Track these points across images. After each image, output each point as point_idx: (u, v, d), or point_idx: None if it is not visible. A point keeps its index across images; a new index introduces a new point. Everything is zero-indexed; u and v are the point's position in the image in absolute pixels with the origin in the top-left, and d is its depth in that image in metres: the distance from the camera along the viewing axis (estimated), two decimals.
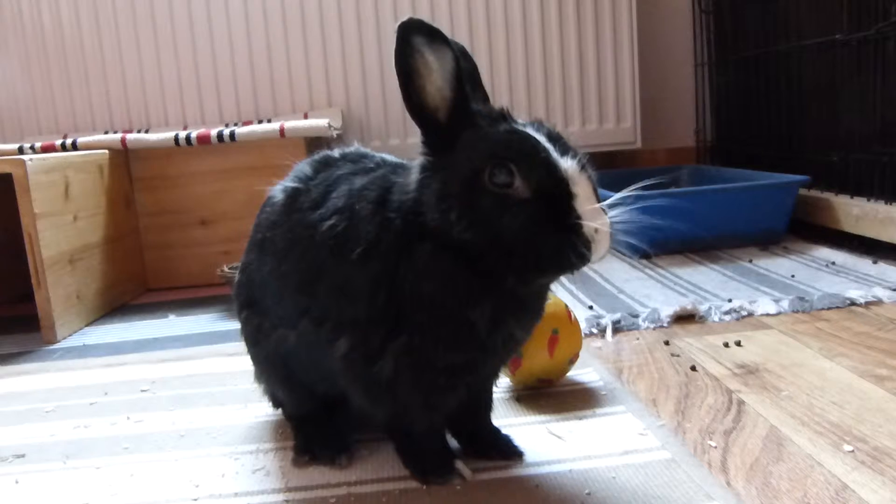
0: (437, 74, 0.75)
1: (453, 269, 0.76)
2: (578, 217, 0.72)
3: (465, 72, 0.78)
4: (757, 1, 2.38)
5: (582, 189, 0.73)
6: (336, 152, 0.95)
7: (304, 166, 0.93)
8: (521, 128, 0.77)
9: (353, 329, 0.82)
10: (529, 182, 0.72)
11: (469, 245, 0.74)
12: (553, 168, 0.73)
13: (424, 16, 2.56)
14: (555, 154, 0.74)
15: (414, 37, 0.73)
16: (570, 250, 0.72)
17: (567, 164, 0.73)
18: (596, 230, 0.72)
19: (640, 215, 0.77)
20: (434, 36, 0.74)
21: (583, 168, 0.75)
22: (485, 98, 0.84)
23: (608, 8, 2.60)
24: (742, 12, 2.50)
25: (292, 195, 0.90)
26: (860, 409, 1.00)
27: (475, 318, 0.78)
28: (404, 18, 0.73)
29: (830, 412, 0.99)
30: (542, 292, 0.86)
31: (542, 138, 0.75)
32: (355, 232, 0.81)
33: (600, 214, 0.73)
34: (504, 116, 0.79)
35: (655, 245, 1.93)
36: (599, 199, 0.75)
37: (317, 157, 0.94)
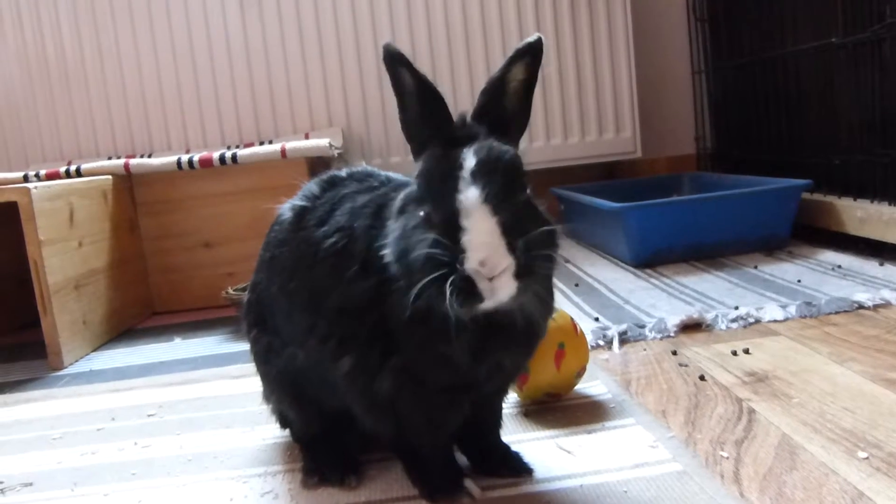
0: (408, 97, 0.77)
1: (427, 306, 0.71)
2: (461, 251, 0.67)
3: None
4: (752, 7, 2.39)
5: (475, 222, 0.67)
6: (343, 172, 0.96)
7: (311, 185, 0.95)
8: (459, 150, 0.72)
9: (355, 346, 0.82)
10: (433, 213, 0.70)
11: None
12: (446, 199, 0.69)
13: (421, 32, 2.59)
14: (462, 183, 0.69)
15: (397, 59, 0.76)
16: (446, 287, 0.66)
17: (467, 195, 0.68)
18: (482, 263, 0.66)
19: (557, 244, 0.74)
20: (394, 59, 0.76)
21: (487, 199, 0.68)
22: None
23: (604, 19, 2.61)
24: (737, 19, 2.51)
25: (300, 213, 0.91)
26: (873, 414, 0.98)
27: (450, 353, 0.75)
28: (384, 43, 0.77)
29: (843, 418, 0.98)
30: (532, 325, 0.79)
31: (469, 163, 0.71)
32: (353, 249, 0.81)
33: (488, 249, 0.66)
34: (455, 138, 0.75)
35: (659, 254, 1.93)
36: (517, 231, 0.68)
37: (324, 176, 0.96)
